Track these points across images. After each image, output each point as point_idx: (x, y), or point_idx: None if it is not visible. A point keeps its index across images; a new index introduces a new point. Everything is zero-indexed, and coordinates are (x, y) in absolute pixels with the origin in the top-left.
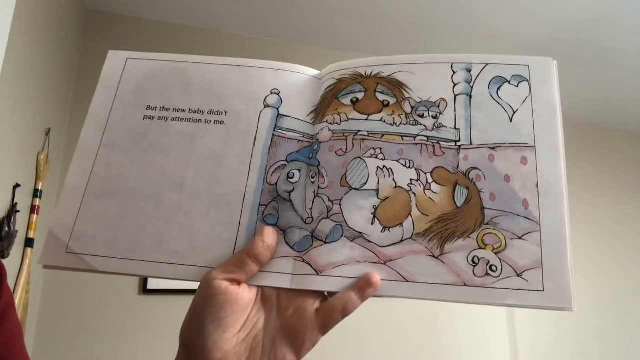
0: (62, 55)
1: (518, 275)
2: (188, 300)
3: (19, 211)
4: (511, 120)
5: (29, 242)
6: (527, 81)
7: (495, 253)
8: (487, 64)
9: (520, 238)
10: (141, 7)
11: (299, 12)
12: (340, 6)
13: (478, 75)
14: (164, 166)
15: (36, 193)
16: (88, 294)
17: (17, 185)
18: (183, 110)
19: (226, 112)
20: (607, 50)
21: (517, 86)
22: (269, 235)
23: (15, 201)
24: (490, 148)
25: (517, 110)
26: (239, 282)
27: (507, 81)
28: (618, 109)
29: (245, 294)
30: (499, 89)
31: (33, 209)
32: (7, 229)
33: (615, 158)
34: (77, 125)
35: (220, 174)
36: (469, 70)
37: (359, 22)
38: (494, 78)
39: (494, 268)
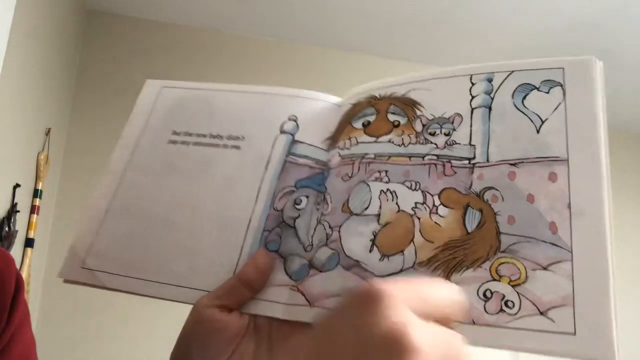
0: (62, 55)
1: (541, 314)
2: None
3: (19, 211)
4: (538, 132)
5: (29, 242)
6: (561, 85)
7: (513, 286)
8: (512, 72)
9: (545, 269)
10: (141, 7)
11: (299, 12)
12: (340, 6)
13: (500, 85)
14: (180, 189)
15: (36, 193)
16: (88, 294)
17: (17, 185)
18: (204, 136)
19: (243, 137)
20: (607, 49)
21: (548, 92)
22: (261, 260)
23: (15, 201)
24: (511, 164)
25: (547, 119)
26: (229, 309)
27: (536, 88)
28: (617, 109)
29: (235, 322)
30: (525, 97)
31: (33, 209)
32: (7, 229)
33: (615, 158)
34: (77, 125)
35: (230, 198)
36: (490, 80)
37: (359, 22)
38: (519, 86)
39: (510, 304)
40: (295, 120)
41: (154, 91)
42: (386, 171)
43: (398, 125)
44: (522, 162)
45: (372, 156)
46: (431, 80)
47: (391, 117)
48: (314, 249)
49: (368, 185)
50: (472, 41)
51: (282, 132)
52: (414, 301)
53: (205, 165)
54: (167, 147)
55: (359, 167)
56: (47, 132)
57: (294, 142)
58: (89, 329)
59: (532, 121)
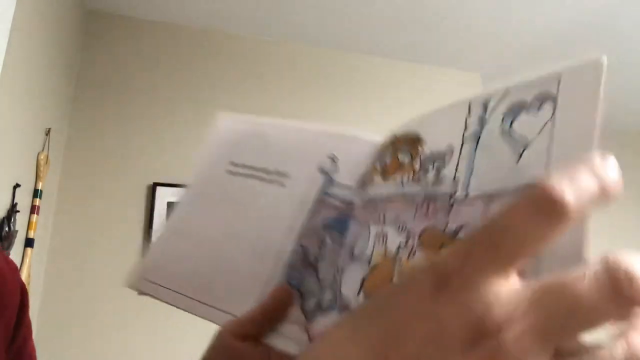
0: (62, 55)
1: None
2: None
3: (19, 211)
4: (518, 160)
5: (29, 242)
6: (553, 99)
7: None
8: (508, 92)
9: None
10: (141, 7)
11: (299, 12)
12: (340, 6)
13: (495, 108)
14: (230, 217)
15: (36, 193)
16: (88, 294)
17: (17, 185)
18: (256, 169)
19: (286, 173)
20: (606, 48)
21: (539, 109)
22: (280, 294)
23: (15, 201)
24: (488, 199)
25: (529, 144)
26: (247, 338)
27: (527, 106)
28: (616, 107)
29: (251, 351)
30: (513, 120)
31: (33, 209)
32: (7, 229)
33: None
34: (77, 125)
35: (266, 230)
36: (486, 106)
37: (359, 22)
38: (511, 108)
39: None
40: (334, 160)
41: (223, 124)
42: (384, 214)
43: (403, 165)
44: (497, 196)
45: (379, 199)
46: (434, 114)
47: (400, 157)
48: (324, 290)
49: (369, 229)
50: (473, 42)
51: (321, 171)
52: (497, 265)
53: (253, 196)
54: (225, 176)
55: (367, 211)
56: (47, 132)
57: (330, 181)
58: (88, 329)
59: (514, 148)
